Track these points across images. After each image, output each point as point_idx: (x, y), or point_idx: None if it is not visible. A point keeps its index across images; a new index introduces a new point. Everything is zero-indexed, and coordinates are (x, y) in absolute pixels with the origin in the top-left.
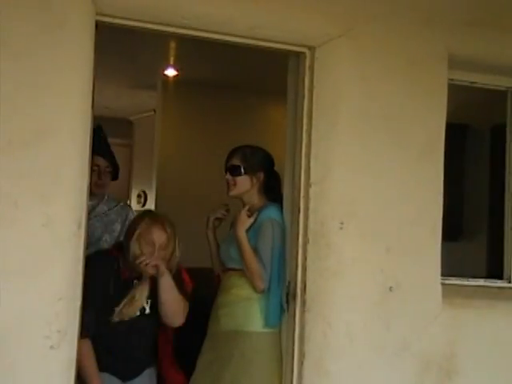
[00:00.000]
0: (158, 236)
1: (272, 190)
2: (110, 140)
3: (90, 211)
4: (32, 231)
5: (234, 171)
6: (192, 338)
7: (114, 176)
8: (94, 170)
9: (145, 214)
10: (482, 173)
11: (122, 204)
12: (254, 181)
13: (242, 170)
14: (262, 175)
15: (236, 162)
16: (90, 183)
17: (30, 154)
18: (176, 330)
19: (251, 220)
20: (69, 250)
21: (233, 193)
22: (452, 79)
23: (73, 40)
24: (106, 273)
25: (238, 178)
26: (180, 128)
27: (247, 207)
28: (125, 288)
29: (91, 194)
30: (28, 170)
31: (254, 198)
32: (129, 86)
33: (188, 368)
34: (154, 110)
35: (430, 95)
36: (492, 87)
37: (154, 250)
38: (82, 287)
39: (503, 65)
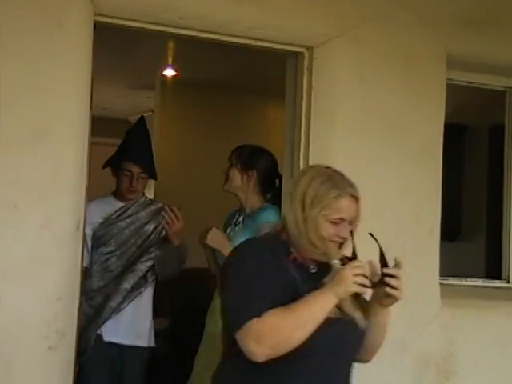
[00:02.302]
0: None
1: (269, 191)
2: (108, 140)
3: (122, 213)
4: (30, 232)
5: (231, 166)
6: (190, 338)
7: (152, 176)
8: (126, 175)
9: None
10: (480, 173)
11: (159, 205)
12: (245, 178)
13: (233, 165)
14: (254, 173)
15: (231, 157)
16: (122, 187)
17: (28, 154)
18: (173, 329)
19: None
20: (67, 250)
21: (225, 187)
22: (450, 79)
23: (71, 40)
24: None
25: (230, 172)
26: (178, 128)
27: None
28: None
29: (122, 198)
30: (26, 170)
31: (250, 198)
32: (127, 86)
33: (186, 369)
34: (153, 111)
35: (429, 95)
36: (490, 87)
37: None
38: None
39: (501, 65)
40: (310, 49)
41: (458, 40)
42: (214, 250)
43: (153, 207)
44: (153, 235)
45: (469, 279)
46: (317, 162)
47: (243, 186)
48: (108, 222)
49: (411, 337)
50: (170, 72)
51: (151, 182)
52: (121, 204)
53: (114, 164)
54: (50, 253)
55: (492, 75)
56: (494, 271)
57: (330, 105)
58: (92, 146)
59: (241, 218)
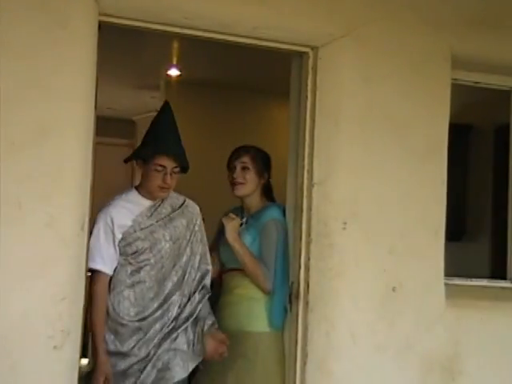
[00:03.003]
0: None
1: (271, 191)
2: (112, 140)
3: (152, 214)
4: (35, 231)
5: (245, 169)
6: None
7: (184, 170)
8: (158, 170)
9: None
10: (485, 173)
11: (189, 203)
12: (261, 181)
13: (253, 169)
14: (266, 176)
15: (246, 159)
16: (152, 184)
17: (32, 154)
18: None
19: (238, 222)
20: (72, 249)
21: (241, 192)
22: (455, 79)
23: (75, 40)
24: None
25: (249, 177)
26: (183, 128)
27: (230, 214)
28: None
29: (150, 196)
30: (31, 170)
31: (256, 199)
32: (132, 86)
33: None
34: (157, 110)
35: (434, 95)
36: (496, 87)
37: None
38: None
39: (507, 64)
40: (314, 48)
41: (463, 40)
42: (218, 247)
43: (182, 204)
44: (190, 239)
45: (474, 279)
46: (321, 162)
47: (255, 189)
48: (139, 226)
49: (416, 337)
50: (174, 72)
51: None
52: (148, 202)
53: (143, 157)
54: (55, 252)
55: (497, 75)
56: (499, 271)
57: (335, 104)
58: (96, 145)
59: (244, 219)
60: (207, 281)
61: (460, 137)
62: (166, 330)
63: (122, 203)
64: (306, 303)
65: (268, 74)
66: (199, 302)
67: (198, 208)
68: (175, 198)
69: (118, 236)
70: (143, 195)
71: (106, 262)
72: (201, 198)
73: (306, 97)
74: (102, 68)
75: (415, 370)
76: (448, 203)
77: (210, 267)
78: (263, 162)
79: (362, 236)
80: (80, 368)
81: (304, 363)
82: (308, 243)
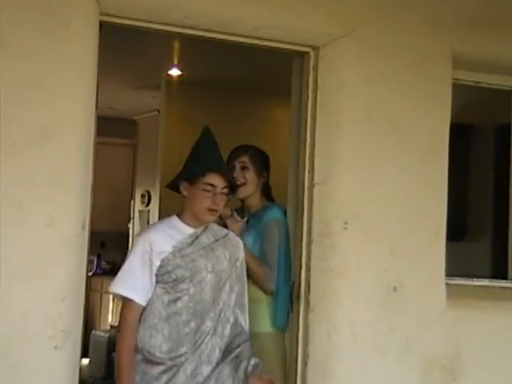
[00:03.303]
0: None
1: (270, 191)
2: (113, 140)
3: (192, 241)
4: (36, 231)
5: (244, 168)
6: None
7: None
8: (207, 190)
9: None
10: (486, 173)
11: (232, 236)
12: (261, 180)
13: (252, 169)
14: (266, 175)
15: (245, 159)
16: (201, 207)
17: (34, 154)
18: None
19: (242, 223)
20: (73, 250)
21: (243, 194)
22: (456, 79)
23: (76, 40)
24: None
25: (248, 176)
26: (184, 128)
27: (235, 213)
28: None
29: (193, 222)
30: (32, 170)
31: (256, 199)
32: (133, 86)
33: None
34: (158, 110)
35: (435, 95)
36: (496, 87)
37: None
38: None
39: (508, 64)
40: (315, 48)
41: (463, 40)
42: None
43: (225, 236)
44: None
45: (475, 279)
46: (322, 162)
47: (256, 189)
48: (180, 252)
49: (417, 337)
50: (175, 72)
51: (155, 182)
52: (190, 230)
53: (191, 177)
54: (56, 252)
55: (498, 75)
56: (500, 271)
57: (336, 104)
58: (97, 145)
59: (245, 219)
60: (244, 323)
61: (461, 137)
62: (199, 371)
63: (162, 227)
64: (307, 303)
65: (269, 73)
66: (239, 345)
67: (242, 243)
68: (217, 229)
69: (157, 263)
70: (186, 222)
71: (138, 292)
72: None
73: (307, 97)
74: (103, 68)
75: (416, 369)
76: (449, 203)
77: (243, 315)
78: (262, 161)
79: (363, 236)
80: (80, 368)
81: (305, 363)
82: (309, 243)
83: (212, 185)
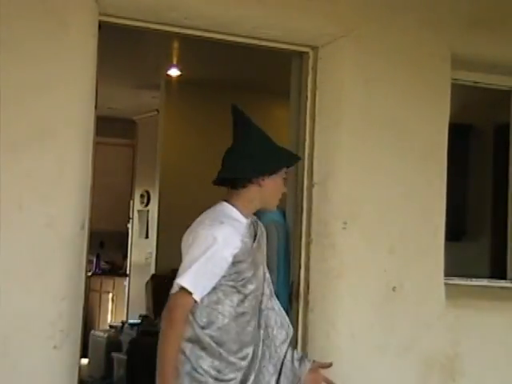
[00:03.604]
0: None
1: None
2: (112, 140)
3: (250, 234)
4: (35, 231)
5: None
6: None
7: None
8: (285, 178)
9: None
10: (485, 173)
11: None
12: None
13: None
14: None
15: None
16: (278, 194)
17: (33, 154)
18: None
19: None
20: (72, 250)
21: None
22: (455, 79)
23: (76, 40)
24: None
25: None
26: (183, 128)
27: None
28: None
29: (250, 213)
30: (31, 170)
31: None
32: (132, 86)
33: None
34: (158, 110)
35: (434, 95)
36: (495, 87)
37: None
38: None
39: (506, 64)
40: (314, 49)
41: (462, 40)
42: None
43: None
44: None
45: (474, 279)
46: (321, 162)
47: None
48: (246, 248)
49: (416, 337)
50: (174, 72)
51: (154, 182)
52: (244, 220)
53: (277, 167)
54: (55, 252)
55: (497, 75)
56: (499, 271)
57: (335, 104)
58: (97, 145)
59: None
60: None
61: (460, 137)
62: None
63: (228, 221)
64: (307, 303)
65: (268, 73)
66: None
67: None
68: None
69: (229, 260)
70: (241, 212)
71: (197, 287)
72: (201, 198)
73: (306, 97)
74: (103, 68)
75: (415, 369)
76: (448, 203)
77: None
78: None
79: (362, 236)
80: (79, 368)
81: None
82: (308, 243)
83: (286, 173)
